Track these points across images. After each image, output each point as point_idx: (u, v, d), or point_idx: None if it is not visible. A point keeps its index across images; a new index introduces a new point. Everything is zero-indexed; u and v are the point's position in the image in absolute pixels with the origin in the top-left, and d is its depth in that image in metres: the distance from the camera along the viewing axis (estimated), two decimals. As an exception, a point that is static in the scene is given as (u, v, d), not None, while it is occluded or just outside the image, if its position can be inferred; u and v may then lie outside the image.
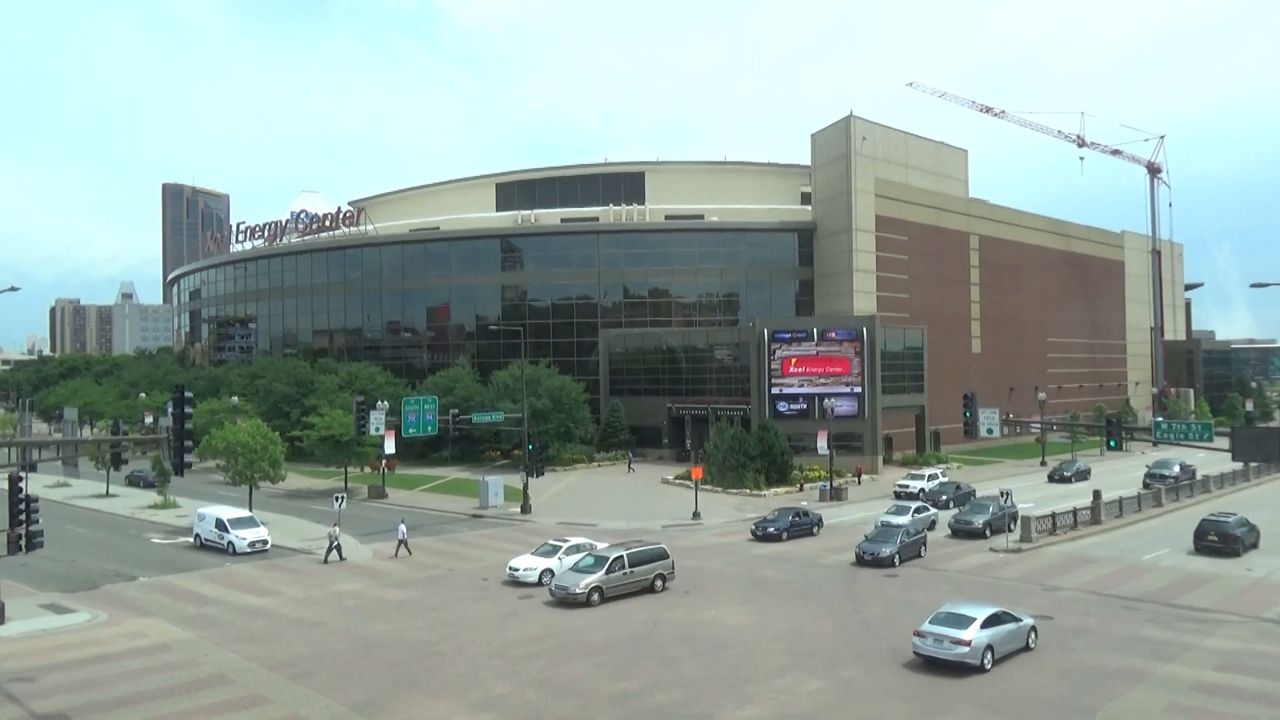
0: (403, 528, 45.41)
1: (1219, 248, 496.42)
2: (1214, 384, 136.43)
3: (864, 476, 71.32)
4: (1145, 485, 62.79)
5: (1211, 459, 63.58)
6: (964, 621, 25.89)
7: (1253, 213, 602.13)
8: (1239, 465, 63.67)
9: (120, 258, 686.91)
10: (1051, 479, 70.42)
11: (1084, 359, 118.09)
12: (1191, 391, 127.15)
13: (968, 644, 25.32)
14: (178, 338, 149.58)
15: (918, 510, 48.70)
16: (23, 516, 31.38)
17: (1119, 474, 70.02)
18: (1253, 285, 34.58)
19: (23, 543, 31.36)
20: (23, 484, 31.12)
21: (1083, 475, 70.05)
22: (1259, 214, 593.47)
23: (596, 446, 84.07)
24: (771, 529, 47.36)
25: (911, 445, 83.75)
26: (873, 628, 30.71)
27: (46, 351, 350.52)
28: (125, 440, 25.59)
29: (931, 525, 48.08)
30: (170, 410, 24.63)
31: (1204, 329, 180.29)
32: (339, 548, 43.19)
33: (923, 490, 59.80)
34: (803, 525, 48.42)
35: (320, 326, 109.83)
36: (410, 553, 44.03)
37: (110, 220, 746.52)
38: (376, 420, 50.64)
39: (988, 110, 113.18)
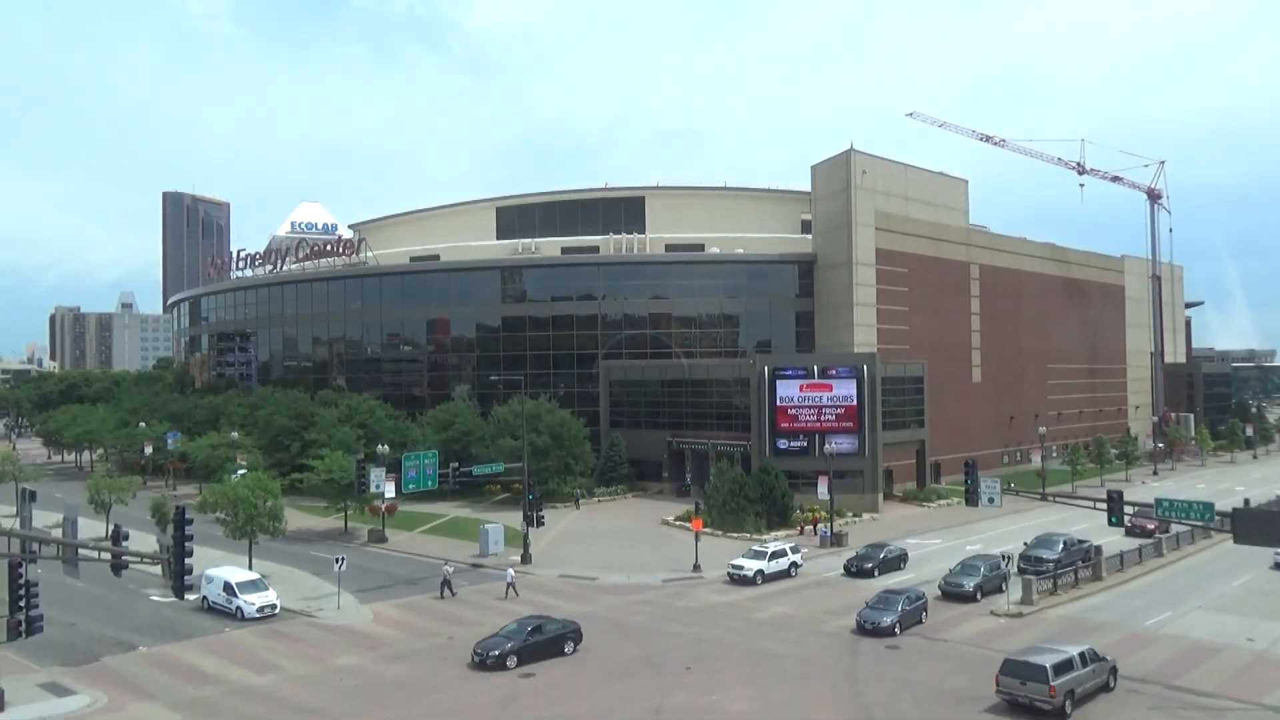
0: (511, 572, 49.25)
1: (1221, 255, 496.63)
2: (1215, 404, 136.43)
3: (862, 516, 71.33)
4: (1020, 570, 49.29)
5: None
6: None
7: (1255, 219, 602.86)
8: (1178, 530, 56.52)
9: (122, 262, 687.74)
10: (849, 571, 52.69)
11: (1084, 384, 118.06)
12: (1192, 417, 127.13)
13: None
14: (177, 349, 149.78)
15: None
16: (22, 602, 31.28)
17: (967, 551, 55.99)
18: (1255, 362, 34.38)
19: (23, 629, 31.24)
20: (23, 570, 31.02)
21: (892, 565, 53.33)
22: (1261, 220, 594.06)
23: (596, 480, 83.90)
24: None
25: (912, 477, 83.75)
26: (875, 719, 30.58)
27: (46, 360, 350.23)
28: (126, 554, 25.47)
29: None
30: (171, 533, 24.54)
31: (1204, 345, 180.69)
32: (449, 583, 48.24)
33: (760, 573, 50.66)
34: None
35: (320, 355, 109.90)
36: (518, 594, 47.51)
37: (113, 225, 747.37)
38: (377, 478, 50.72)
39: (988, 139, 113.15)
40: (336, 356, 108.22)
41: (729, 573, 51.76)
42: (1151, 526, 60.25)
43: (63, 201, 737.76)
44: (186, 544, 23.13)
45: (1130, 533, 59.74)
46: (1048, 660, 30.54)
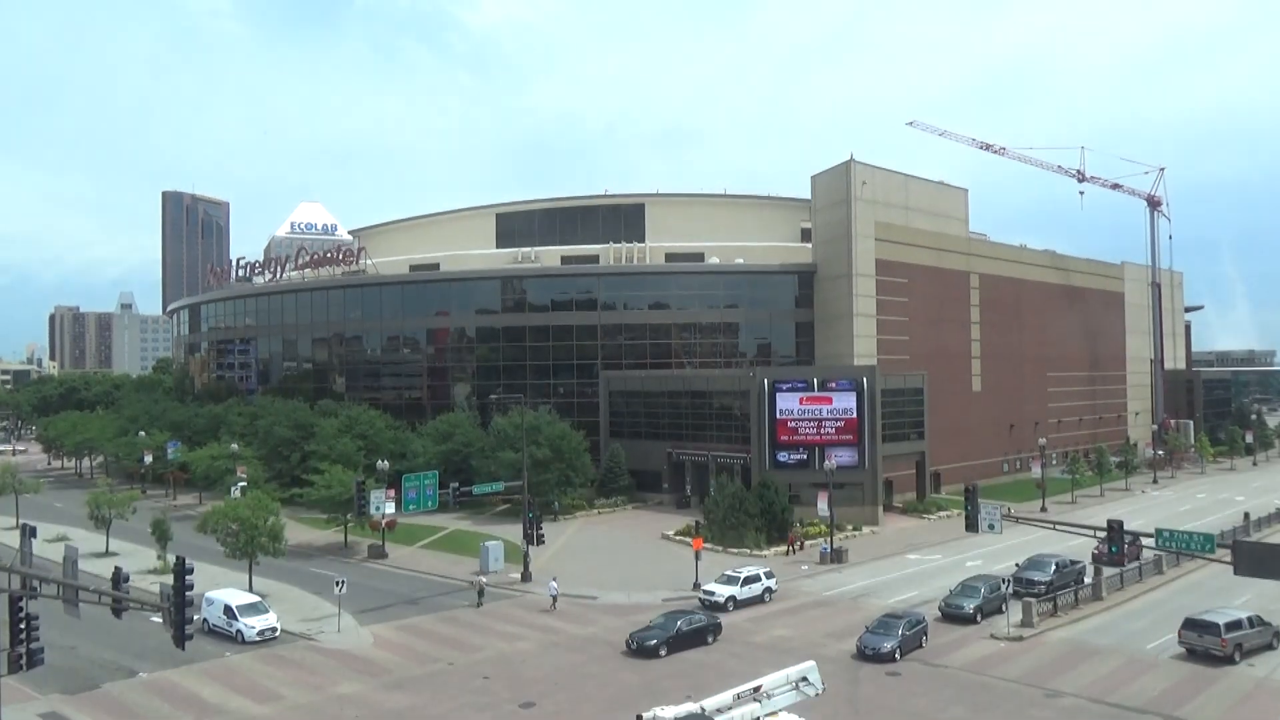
0: (554, 584, 50.66)
1: (1221, 255, 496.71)
2: (1215, 409, 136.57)
3: (862, 529, 71.42)
4: (1015, 593, 47.27)
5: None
6: None
7: (1255, 218, 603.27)
8: (1150, 556, 55.09)
9: (123, 259, 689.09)
10: (629, 648, 41.44)
11: (1084, 391, 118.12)
12: (1191, 424, 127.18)
13: None
14: (177, 356, 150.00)
15: None
16: (23, 635, 31.31)
17: (968, 569, 55.15)
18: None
19: (24, 662, 31.27)
20: (23, 605, 31.06)
21: (688, 640, 41.88)
22: (1261, 219, 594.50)
23: (596, 491, 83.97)
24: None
25: (912, 487, 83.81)
26: (875, 755, 30.63)
27: (46, 360, 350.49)
28: (127, 600, 25.50)
29: None
30: (171, 583, 24.56)
31: (1204, 346, 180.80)
32: (482, 592, 50.92)
33: (732, 599, 49.06)
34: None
35: (320, 363, 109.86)
36: (556, 607, 49.56)
37: (112, 224, 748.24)
38: (377, 500, 51.03)
39: (988, 148, 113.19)
40: (336, 364, 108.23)
41: (700, 598, 50.13)
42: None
43: (62, 200, 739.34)
44: (187, 594, 23.19)
45: (1097, 560, 49.23)
46: (1221, 619, 40.03)
